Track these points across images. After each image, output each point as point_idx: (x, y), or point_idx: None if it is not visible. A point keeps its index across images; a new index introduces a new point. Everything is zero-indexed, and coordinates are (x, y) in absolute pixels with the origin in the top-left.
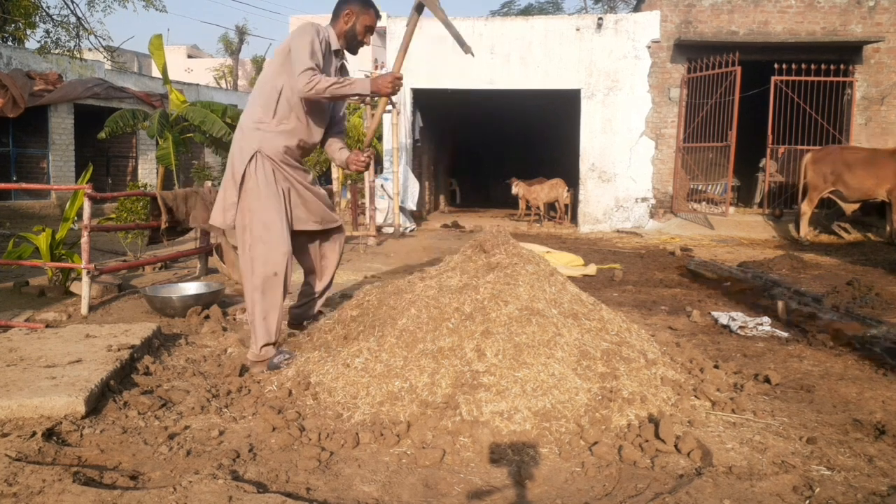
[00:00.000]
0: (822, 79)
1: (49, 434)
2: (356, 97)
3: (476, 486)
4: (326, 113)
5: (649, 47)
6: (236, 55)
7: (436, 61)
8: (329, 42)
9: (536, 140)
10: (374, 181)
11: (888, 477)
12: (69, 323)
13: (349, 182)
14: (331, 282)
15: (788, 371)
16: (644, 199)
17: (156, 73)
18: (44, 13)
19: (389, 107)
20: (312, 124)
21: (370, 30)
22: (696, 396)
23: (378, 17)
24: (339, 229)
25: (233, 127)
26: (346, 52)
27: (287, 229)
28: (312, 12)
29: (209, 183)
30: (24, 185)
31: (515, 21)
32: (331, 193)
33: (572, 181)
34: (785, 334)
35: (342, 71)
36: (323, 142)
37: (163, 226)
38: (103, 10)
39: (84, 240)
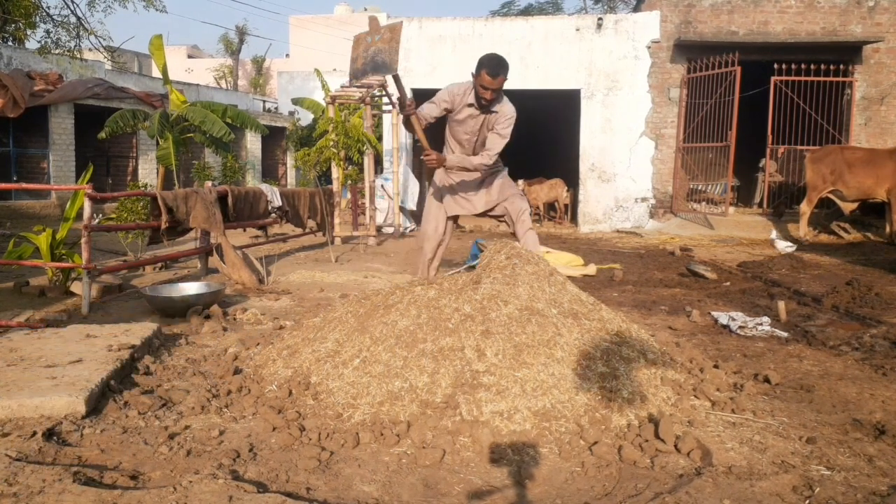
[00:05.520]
0: (821, 79)
1: (49, 434)
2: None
3: (476, 486)
4: (457, 141)
5: (649, 47)
6: (236, 55)
7: (436, 61)
8: (465, 97)
9: (536, 140)
10: (374, 181)
11: (888, 477)
12: (69, 323)
13: (349, 182)
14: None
15: (788, 371)
16: (644, 199)
17: (156, 73)
18: (44, 13)
19: (389, 106)
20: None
21: (483, 88)
22: (695, 396)
23: (490, 76)
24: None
25: (233, 127)
26: (476, 104)
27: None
28: (312, 12)
29: (209, 183)
30: (24, 185)
31: (515, 21)
32: (331, 193)
33: (572, 181)
34: (785, 334)
35: (479, 111)
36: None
37: (163, 226)
38: (103, 11)
39: (84, 240)
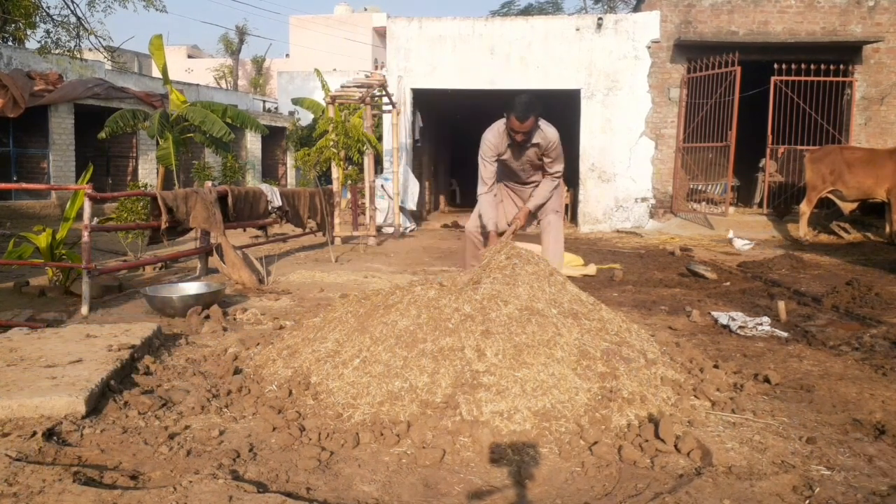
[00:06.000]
0: (821, 79)
1: (49, 434)
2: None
3: (476, 486)
4: (512, 171)
5: (649, 47)
6: (236, 55)
7: (436, 61)
8: (503, 139)
9: None
10: (374, 181)
11: (888, 477)
12: (69, 323)
13: (349, 182)
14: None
15: (788, 371)
16: (644, 199)
17: (156, 73)
18: (44, 13)
19: (389, 106)
20: (506, 172)
21: (512, 130)
22: (695, 396)
23: (519, 120)
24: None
25: (233, 127)
26: (512, 140)
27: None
28: (312, 12)
29: (209, 183)
30: (24, 185)
31: (515, 21)
32: (331, 193)
33: (572, 181)
34: (785, 334)
35: (520, 149)
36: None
37: (163, 226)
38: (103, 11)
39: (84, 240)
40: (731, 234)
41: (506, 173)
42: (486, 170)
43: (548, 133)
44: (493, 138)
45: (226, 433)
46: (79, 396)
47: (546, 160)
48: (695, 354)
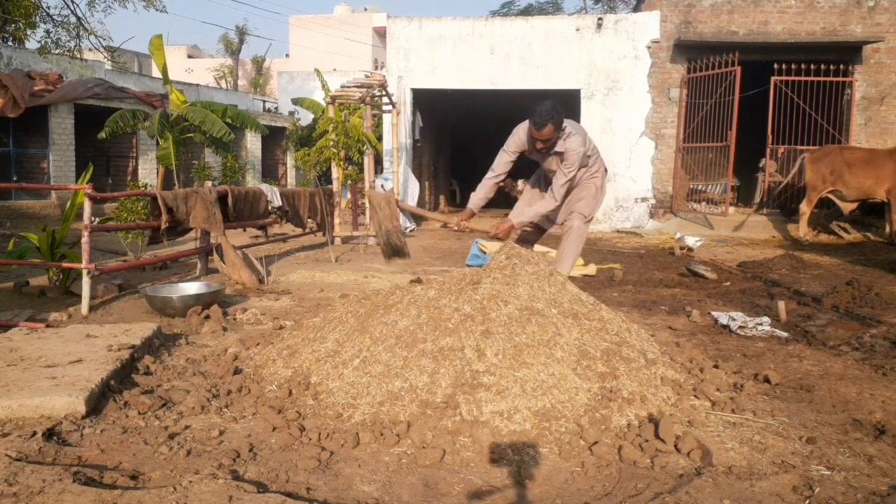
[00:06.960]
0: (821, 79)
1: (49, 434)
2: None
3: (476, 486)
4: (543, 169)
5: (649, 47)
6: (236, 55)
7: (436, 61)
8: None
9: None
10: (374, 181)
11: (888, 477)
12: (69, 323)
13: (349, 182)
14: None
15: (788, 371)
16: (644, 199)
17: (156, 73)
18: (44, 13)
19: (389, 106)
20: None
21: (532, 139)
22: (695, 396)
23: (536, 129)
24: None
25: (233, 127)
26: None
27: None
28: (312, 12)
29: (209, 183)
30: (24, 185)
31: (515, 21)
32: (331, 193)
33: None
34: (785, 334)
35: (547, 154)
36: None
37: (163, 226)
38: (103, 11)
39: (84, 240)
40: (678, 234)
41: (541, 171)
42: (500, 159)
43: (569, 142)
44: (522, 134)
45: (226, 433)
46: (79, 396)
47: (557, 170)
48: (695, 354)
